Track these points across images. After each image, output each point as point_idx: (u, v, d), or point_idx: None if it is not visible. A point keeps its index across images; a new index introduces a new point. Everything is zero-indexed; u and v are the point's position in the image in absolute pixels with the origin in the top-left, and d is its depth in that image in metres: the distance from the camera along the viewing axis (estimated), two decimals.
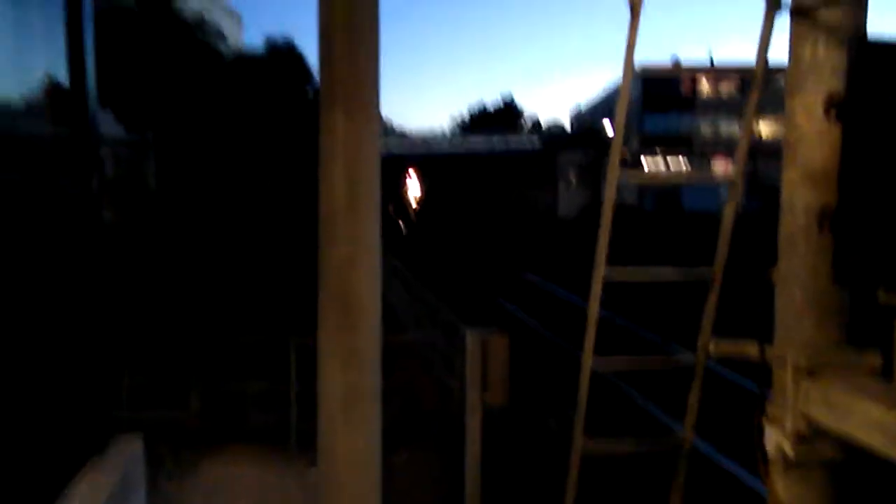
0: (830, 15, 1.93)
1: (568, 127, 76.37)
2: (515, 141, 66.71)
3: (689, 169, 56.91)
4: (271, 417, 8.44)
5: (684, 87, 58.30)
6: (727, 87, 57.56)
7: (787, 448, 1.99)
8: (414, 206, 66.97)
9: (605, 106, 58.77)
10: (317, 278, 2.99)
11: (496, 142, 65.87)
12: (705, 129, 57.78)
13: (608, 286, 2.63)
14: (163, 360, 9.15)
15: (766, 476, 2.15)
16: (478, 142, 67.27)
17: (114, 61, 25.02)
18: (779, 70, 2.35)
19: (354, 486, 2.90)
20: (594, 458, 2.86)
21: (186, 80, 25.83)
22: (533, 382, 10.20)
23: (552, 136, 67.98)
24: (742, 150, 2.67)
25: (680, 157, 58.41)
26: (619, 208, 2.59)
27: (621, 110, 2.60)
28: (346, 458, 3.01)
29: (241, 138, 25.93)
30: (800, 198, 1.99)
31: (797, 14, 2.00)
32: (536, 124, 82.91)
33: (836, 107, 1.81)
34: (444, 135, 77.80)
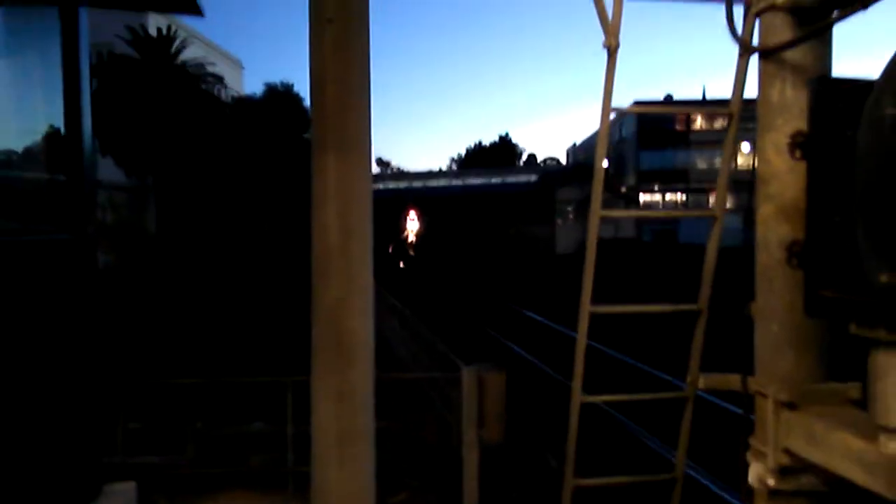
0: (796, 55, 2.00)
1: (564, 163, 77.03)
2: (513, 178, 67.24)
3: (686, 203, 57.06)
4: (269, 459, 8.36)
5: (679, 124, 59.04)
6: (721, 123, 58.29)
7: (770, 481, 2.01)
8: (413, 242, 67.16)
9: (606, 140, 59.28)
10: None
11: (494, 179, 66.38)
12: (701, 163, 58.33)
13: (614, 322, 2.67)
14: (158, 403, 9.11)
15: None
16: (476, 179, 67.78)
17: (116, 108, 25.38)
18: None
19: None
20: (589, 490, 2.86)
21: (186, 125, 26.16)
22: (532, 419, 10.14)
23: (549, 173, 68.54)
24: (721, 185, 2.73)
25: (678, 192, 58.86)
26: (617, 241, 2.65)
27: (601, 152, 2.66)
28: (339, 497, 3.01)
29: (239, 180, 26.15)
30: (774, 233, 2.04)
31: (765, 55, 2.07)
32: (532, 160, 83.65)
33: (800, 145, 1.88)
34: (442, 173, 78.43)
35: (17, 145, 3.55)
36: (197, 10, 4.30)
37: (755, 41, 2.19)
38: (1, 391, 2.45)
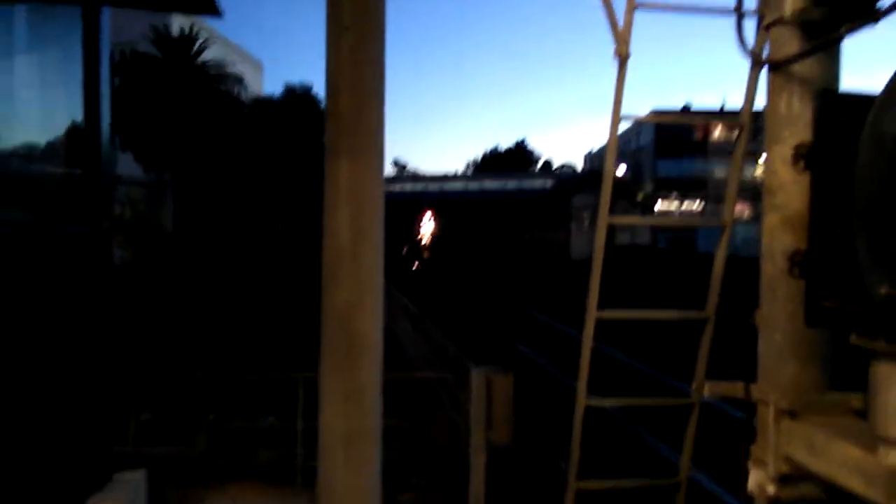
0: (804, 69, 2.02)
1: (581, 169, 76.86)
2: (529, 182, 67.14)
3: (703, 212, 56.73)
4: (278, 454, 8.43)
5: (696, 133, 58.76)
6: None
7: (770, 489, 2.02)
8: (428, 245, 67.22)
9: (616, 149, 59.18)
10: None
11: (510, 184, 66.32)
12: (719, 172, 58.02)
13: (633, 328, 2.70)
14: (171, 396, 9.21)
15: None
16: (492, 183, 67.74)
17: (137, 105, 25.68)
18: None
19: None
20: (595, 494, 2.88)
21: (205, 124, 26.38)
22: (543, 423, 10.14)
23: (564, 179, 68.41)
24: (730, 195, 2.75)
25: (697, 200, 58.54)
26: (632, 247, 2.67)
27: (610, 160, 2.70)
28: (345, 496, 3.05)
29: (255, 180, 26.33)
30: (779, 242, 2.06)
31: (773, 67, 2.09)
32: (548, 167, 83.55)
33: (804, 157, 1.90)
34: (458, 176, 78.50)
35: (38, 139, 3.63)
36: (215, 11, 4.36)
37: (766, 54, 2.21)
38: (14, 380, 2.51)
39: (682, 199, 58.66)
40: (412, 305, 16.95)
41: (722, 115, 45.53)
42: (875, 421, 1.76)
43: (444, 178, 74.19)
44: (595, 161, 70.86)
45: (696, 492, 3.02)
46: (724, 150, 56.99)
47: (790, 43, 2.05)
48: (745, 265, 2.84)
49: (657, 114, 17.05)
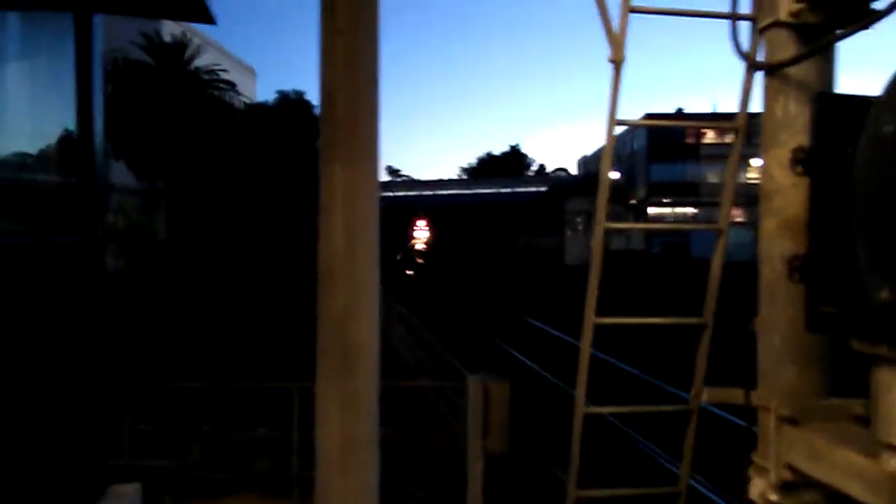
0: (800, 72, 2.01)
1: (575, 175, 76.99)
2: (522, 188, 67.18)
3: (696, 216, 56.92)
4: (274, 464, 8.37)
5: (689, 137, 58.95)
6: (732, 137, 58.08)
7: (772, 496, 2.00)
8: (422, 251, 67.17)
9: (612, 154, 59.37)
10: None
11: (503, 189, 66.35)
12: (712, 177, 58.17)
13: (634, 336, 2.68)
14: (165, 407, 9.14)
15: None
16: (485, 189, 67.78)
17: (129, 113, 25.61)
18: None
19: None
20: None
21: (198, 131, 26.31)
22: (540, 431, 10.10)
23: (559, 183, 68.50)
24: (726, 200, 2.74)
25: (688, 205, 58.67)
26: (627, 253, 2.65)
27: (606, 164, 2.68)
28: None
29: (249, 187, 26.26)
30: (777, 247, 2.05)
31: (769, 71, 2.09)
32: (542, 171, 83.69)
33: (802, 160, 1.89)
34: (451, 182, 78.54)
35: (30, 148, 3.60)
36: (209, 19, 4.35)
37: (761, 57, 2.20)
38: (8, 392, 2.48)
39: (674, 203, 58.76)
40: (407, 312, 16.92)
41: (717, 118, 45.80)
42: (877, 427, 1.74)
43: (438, 184, 74.21)
44: (590, 165, 70.96)
45: (695, 498, 3.00)
46: (717, 154, 57.16)
47: (785, 46, 2.04)
48: (740, 270, 2.83)
49: (653, 118, 17.06)
